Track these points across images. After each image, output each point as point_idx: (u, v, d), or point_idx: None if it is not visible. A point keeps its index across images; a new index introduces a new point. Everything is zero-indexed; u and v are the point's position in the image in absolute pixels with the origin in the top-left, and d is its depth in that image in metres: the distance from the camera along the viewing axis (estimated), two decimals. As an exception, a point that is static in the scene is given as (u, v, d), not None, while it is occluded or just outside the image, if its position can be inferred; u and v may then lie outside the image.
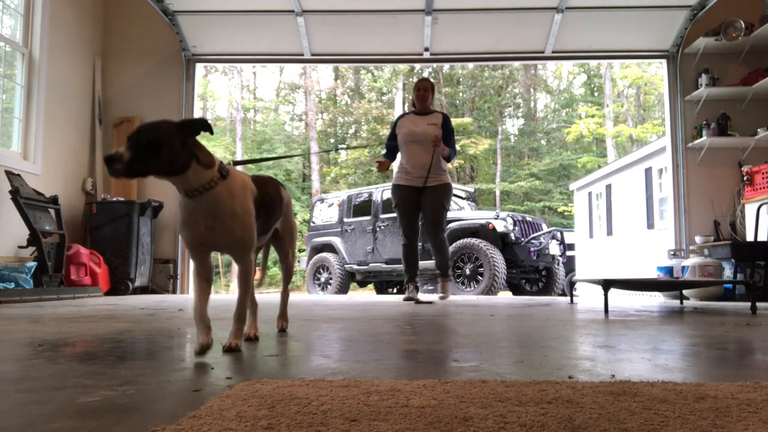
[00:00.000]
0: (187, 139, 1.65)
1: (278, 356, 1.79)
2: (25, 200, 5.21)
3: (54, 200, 5.69)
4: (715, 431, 0.94)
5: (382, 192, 10.02)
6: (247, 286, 1.90)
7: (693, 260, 6.07)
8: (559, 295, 9.22)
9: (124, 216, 6.27)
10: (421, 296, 5.70)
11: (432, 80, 5.72)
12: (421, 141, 5.09)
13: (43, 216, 5.50)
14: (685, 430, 0.94)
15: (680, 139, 6.87)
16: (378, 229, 9.82)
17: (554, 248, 9.33)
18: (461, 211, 9.65)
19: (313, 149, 24.02)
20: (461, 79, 26.91)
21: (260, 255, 2.48)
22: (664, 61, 7.14)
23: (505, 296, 8.51)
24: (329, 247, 10.39)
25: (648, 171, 10.86)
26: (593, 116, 24.03)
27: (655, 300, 6.42)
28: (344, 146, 26.42)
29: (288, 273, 2.37)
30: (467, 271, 8.54)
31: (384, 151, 5.43)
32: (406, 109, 25.50)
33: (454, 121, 5.90)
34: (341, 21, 7.06)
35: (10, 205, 5.17)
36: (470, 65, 23.76)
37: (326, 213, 10.78)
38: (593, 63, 22.75)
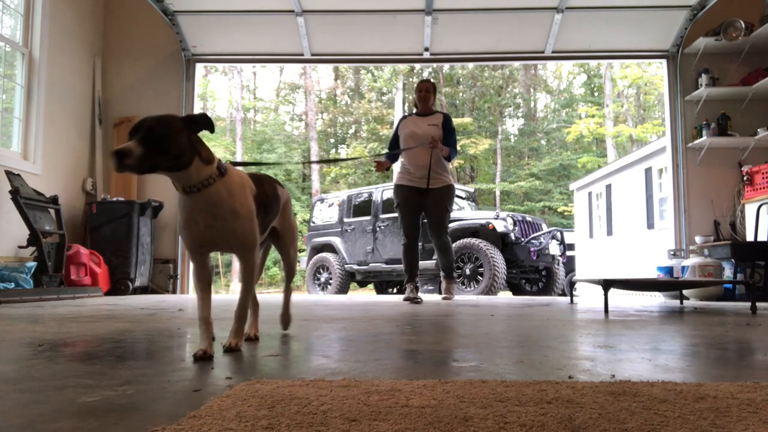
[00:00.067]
0: (191, 134, 1.65)
1: (278, 356, 1.79)
2: (25, 200, 5.21)
3: (54, 200, 5.69)
4: (715, 431, 0.94)
5: (382, 192, 10.02)
6: (249, 286, 1.89)
7: (693, 260, 6.07)
8: (559, 295, 9.22)
9: (124, 216, 6.27)
10: (421, 296, 5.70)
11: (433, 81, 5.74)
12: (422, 142, 5.11)
13: (43, 216, 5.50)
14: (685, 430, 0.94)
15: (680, 139, 6.87)
16: (378, 229, 9.82)
17: (554, 248, 9.33)
18: (461, 211, 9.65)
19: (313, 149, 24.03)
20: (461, 79, 26.92)
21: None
22: (664, 61, 7.14)
23: (505, 296, 8.51)
24: (329, 247, 10.40)
25: (648, 171, 10.86)
26: (593, 116, 24.04)
27: (655, 300, 6.42)
28: (343, 158, 26.41)
29: (290, 271, 2.34)
30: (467, 271, 8.54)
31: (387, 152, 5.46)
32: (406, 109, 25.44)
33: (455, 121, 5.90)
34: (341, 21, 7.06)
35: (10, 205, 5.17)
36: (470, 65, 23.76)
37: (326, 213, 10.79)
38: (593, 63, 22.75)
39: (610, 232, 12.78)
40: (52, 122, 6.17)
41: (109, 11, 7.24)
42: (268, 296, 6.89)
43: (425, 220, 5.39)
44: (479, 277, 8.43)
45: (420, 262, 5.54)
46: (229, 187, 1.71)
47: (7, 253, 5.39)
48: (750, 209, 6.19)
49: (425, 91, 5.31)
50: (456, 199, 9.60)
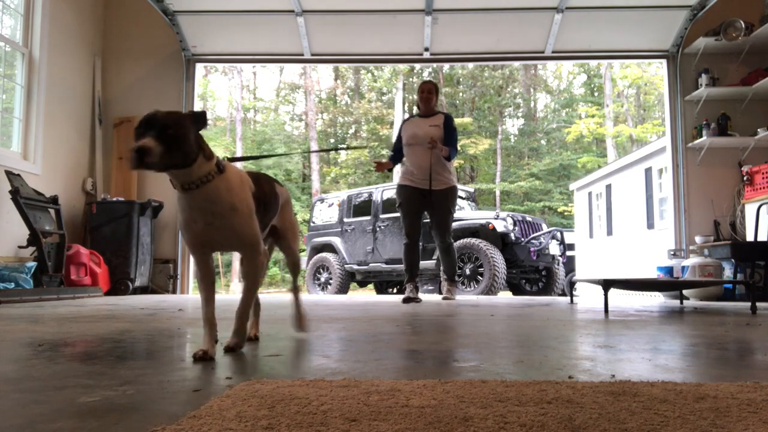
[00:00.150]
0: (197, 131, 1.65)
1: (278, 356, 1.79)
2: (25, 200, 5.21)
3: (54, 200, 5.69)
4: (715, 431, 0.94)
5: (382, 192, 10.03)
6: (253, 285, 1.85)
7: (693, 260, 6.07)
8: (559, 295, 9.22)
9: (124, 216, 6.27)
10: (421, 296, 5.71)
11: (435, 82, 5.76)
12: (423, 143, 5.13)
13: (43, 216, 5.50)
14: (685, 430, 0.94)
15: (680, 139, 6.87)
16: (378, 229, 9.82)
17: (554, 248, 9.33)
18: (461, 211, 9.65)
19: (312, 149, 24.02)
20: (461, 79, 26.92)
21: None
22: (664, 61, 7.14)
23: (505, 296, 8.51)
24: (329, 247, 10.40)
25: (648, 171, 10.86)
26: (593, 116, 24.04)
27: (655, 300, 6.42)
28: (344, 146, 26.41)
29: (294, 266, 2.29)
30: (467, 271, 8.54)
31: (390, 153, 5.52)
32: (406, 109, 25.35)
33: (455, 121, 5.89)
34: (341, 21, 7.06)
35: (10, 205, 5.17)
36: (470, 65, 23.76)
37: (326, 213, 10.79)
38: (593, 63, 22.75)
39: (610, 232, 12.78)
40: (52, 122, 6.17)
41: (109, 11, 7.24)
42: (268, 296, 6.89)
43: (426, 221, 5.41)
44: (479, 277, 8.43)
45: (420, 262, 5.55)
46: (227, 184, 1.69)
47: (7, 253, 5.39)
48: (750, 209, 6.19)
49: (427, 92, 5.33)
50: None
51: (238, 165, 1.94)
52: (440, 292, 6.95)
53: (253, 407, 1.07)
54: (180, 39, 7.10)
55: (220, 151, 22.15)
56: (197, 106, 7.30)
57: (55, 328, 2.56)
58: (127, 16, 7.21)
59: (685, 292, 5.32)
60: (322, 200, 11.26)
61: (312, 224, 10.99)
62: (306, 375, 1.46)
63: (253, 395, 1.16)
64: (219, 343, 1.83)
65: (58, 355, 1.80)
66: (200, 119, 1.66)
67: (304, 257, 11.01)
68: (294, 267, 2.29)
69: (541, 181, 24.18)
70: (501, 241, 8.78)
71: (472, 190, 11.82)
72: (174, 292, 6.91)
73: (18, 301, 4.54)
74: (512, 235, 8.86)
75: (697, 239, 6.49)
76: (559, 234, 9.71)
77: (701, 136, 6.64)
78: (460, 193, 10.38)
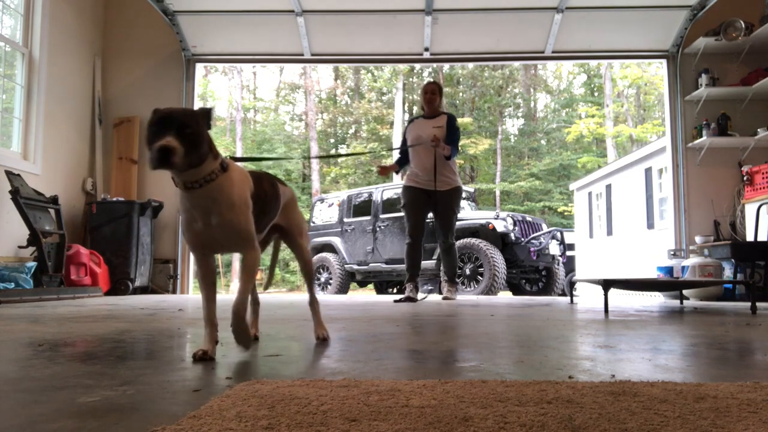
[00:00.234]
0: (208, 129, 1.64)
1: (278, 356, 1.79)
2: (25, 200, 5.21)
3: (54, 200, 5.69)
4: (715, 431, 0.94)
5: (382, 192, 10.03)
6: (249, 277, 1.79)
7: (693, 260, 6.07)
8: (559, 295, 9.22)
9: (124, 216, 6.27)
10: (420, 296, 5.72)
11: (438, 83, 5.79)
12: (427, 144, 5.17)
13: (43, 216, 5.50)
14: (685, 430, 0.94)
15: (680, 139, 6.87)
16: (378, 229, 9.82)
17: (554, 248, 9.33)
18: (462, 211, 9.65)
19: (313, 149, 24.03)
20: (461, 79, 26.92)
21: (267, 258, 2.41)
22: (664, 61, 7.14)
23: (505, 296, 8.51)
24: (329, 247, 10.39)
25: (648, 171, 10.86)
26: (593, 116, 24.04)
27: (655, 300, 6.42)
28: (345, 153, 26.41)
29: (308, 272, 2.20)
30: (467, 271, 8.54)
31: (398, 156, 5.58)
32: (406, 109, 25.30)
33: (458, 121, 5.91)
34: (341, 21, 7.06)
35: (10, 205, 5.17)
36: (470, 65, 23.76)
37: (326, 213, 10.78)
38: (593, 63, 22.75)
39: (610, 232, 12.78)
40: (52, 122, 6.17)
41: (109, 11, 7.24)
42: (268, 296, 6.89)
43: (429, 221, 5.43)
44: (479, 277, 8.42)
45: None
46: (229, 182, 1.67)
47: (7, 253, 5.39)
48: (750, 209, 6.19)
49: (430, 93, 5.37)
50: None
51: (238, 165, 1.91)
52: (440, 292, 6.96)
53: (253, 407, 1.07)
54: (180, 39, 7.10)
55: (220, 151, 22.08)
56: (198, 106, 7.26)
57: (55, 328, 2.56)
58: (127, 16, 7.21)
59: (685, 292, 5.32)
60: (322, 200, 11.26)
61: (312, 224, 10.99)
62: (306, 375, 1.46)
63: (253, 395, 1.16)
64: (219, 344, 1.82)
65: (58, 355, 1.80)
66: (210, 117, 1.66)
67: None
68: (306, 268, 2.19)
69: (541, 181, 24.18)
70: (501, 241, 8.78)
71: (472, 190, 11.82)
72: (174, 292, 6.91)
73: (18, 301, 4.54)
74: (512, 235, 8.87)
75: (697, 239, 6.49)
76: (559, 234, 9.71)
77: (701, 136, 6.64)
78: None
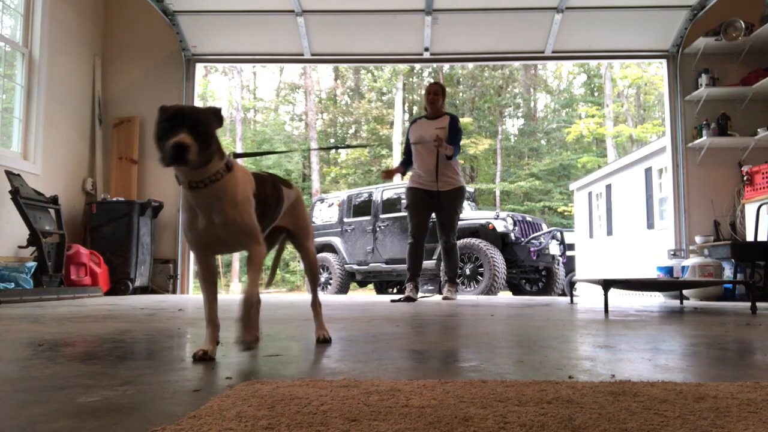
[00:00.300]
0: (218, 128, 1.64)
1: (278, 356, 1.79)
2: (25, 200, 5.21)
3: (54, 200, 5.69)
4: (715, 431, 0.94)
5: (382, 192, 10.03)
6: (256, 271, 1.75)
7: (693, 260, 6.07)
8: (559, 295, 9.22)
9: (124, 216, 6.27)
10: (420, 296, 5.72)
11: (442, 83, 5.82)
12: (429, 145, 5.19)
13: (43, 216, 5.50)
14: (685, 430, 0.94)
15: (680, 139, 6.87)
16: (378, 229, 9.82)
17: (554, 248, 9.33)
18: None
19: (311, 148, 24.01)
20: (461, 79, 26.92)
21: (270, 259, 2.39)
22: (664, 61, 7.14)
23: (505, 296, 8.51)
24: (329, 247, 10.39)
25: (648, 171, 10.86)
26: (593, 116, 24.04)
27: (655, 300, 6.42)
28: (345, 145, 26.41)
29: (312, 273, 2.17)
30: (467, 271, 8.54)
31: (402, 158, 5.62)
32: (406, 109, 25.28)
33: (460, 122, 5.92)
34: (341, 21, 7.06)
35: (10, 205, 5.17)
36: (470, 65, 23.76)
37: (326, 213, 10.78)
38: (593, 63, 22.75)
39: (610, 232, 12.78)
40: (52, 122, 6.17)
41: (109, 11, 7.24)
42: (268, 296, 6.89)
43: (433, 221, 5.45)
44: (479, 277, 8.42)
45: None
46: (233, 182, 1.66)
47: (7, 253, 5.39)
48: (750, 209, 6.19)
49: (433, 94, 5.39)
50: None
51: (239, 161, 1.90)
52: (440, 292, 6.96)
53: (253, 407, 1.07)
54: (180, 39, 7.09)
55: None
56: (197, 106, 7.26)
57: (55, 328, 2.56)
58: (127, 16, 7.21)
59: (685, 292, 5.32)
60: (322, 200, 11.25)
61: (312, 224, 10.98)
62: (306, 375, 1.46)
63: (253, 395, 1.16)
64: (220, 344, 1.82)
65: (58, 355, 1.80)
66: (220, 116, 1.65)
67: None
68: (311, 269, 2.17)
69: (541, 181, 24.18)
70: (501, 241, 8.78)
71: (472, 190, 11.82)
72: (174, 292, 6.91)
73: (18, 301, 4.54)
74: (512, 235, 8.87)
75: (697, 239, 6.49)
76: (559, 234, 9.71)
77: (701, 136, 6.64)
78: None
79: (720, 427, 0.95)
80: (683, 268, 6.10)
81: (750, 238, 5.93)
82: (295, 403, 1.10)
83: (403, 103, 25.00)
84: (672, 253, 6.71)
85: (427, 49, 7.20)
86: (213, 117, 1.60)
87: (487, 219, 9.06)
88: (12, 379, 1.42)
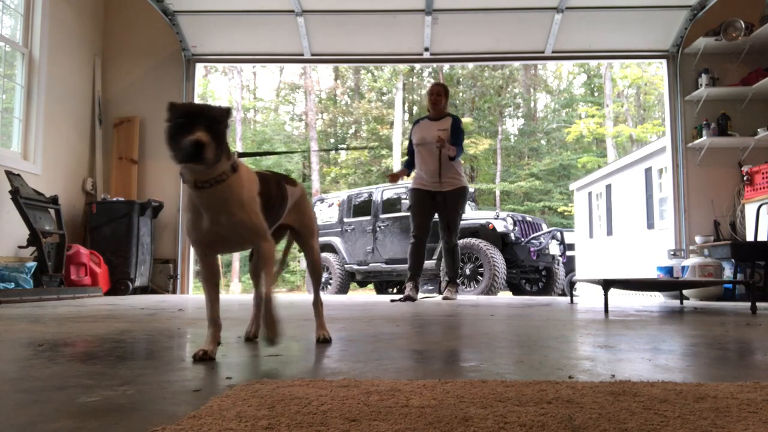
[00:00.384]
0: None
1: (278, 356, 1.79)
2: (25, 200, 5.21)
3: (54, 200, 5.69)
4: (715, 431, 0.94)
5: (382, 192, 10.03)
6: (269, 267, 1.76)
7: (693, 260, 6.07)
8: (559, 295, 9.22)
9: (124, 216, 6.27)
10: (420, 296, 5.72)
11: (445, 84, 5.82)
12: (431, 147, 5.20)
13: (43, 216, 5.50)
14: (685, 430, 0.94)
15: (680, 139, 6.87)
16: (378, 229, 9.82)
17: (554, 248, 9.33)
18: (461, 211, 9.66)
19: (313, 149, 24.03)
20: (461, 79, 26.92)
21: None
22: (664, 61, 7.14)
23: (505, 296, 8.51)
24: (329, 247, 10.39)
25: (648, 171, 10.86)
26: (593, 116, 24.04)
27: (655, 300, 6.42)
28: (345, 146, 26.42)
29: (315, 273, 2.17)
30: (467, 271, 8.54)
31: (406, 159, 5.63)
32: (406, 109, 25.29)
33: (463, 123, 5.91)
34: (341, 21, 7.06)
35: (10, 205, 5.17)
36: (470, 65, 23.76)
37: (326, 213, 10.78)
38: (593, 63, 22.75)
39: (610, 232, 12.78)
40: (52, 122, 6.17)
41: (109, 11, 7.24)
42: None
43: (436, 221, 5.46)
44: (479, 277, 8.42)
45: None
46: (239, 182, 1.66)
47: (7, 253, 5.39)
48: (750, 209, 6.19)
49: (436, 95, 5.39)
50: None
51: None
52: (440, 292, 6.96)
53: (253, 407, 1.07)
54: (180, 39, 7.09)
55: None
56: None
57: (55, 328, 2.56)
58: (127, 16, 7.21)
59: (685, 292, 5.32)
60: (322, 200, 11.25)
61: (317, 222, 10.97)
62: (306, 375, 1.46)
63: (253, 395, 1.16)
64: (221, 345, 1.82)
65: (58, 355, 1.80)
66: (230, 116, 1.64)
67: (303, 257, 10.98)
68: (314, 269, 2.16)
69: (541, 181, 24.18)
70: (501, 241, 8.78)
71: (472, 190, 11.82)
72: (174, 292, 6.91)
73: (18, 301, 4.54)
74: (512, 235, 8.87)
75: (697, 239, 6.49)
76: (559, 234, 9.71)
77: (701, 136, 6.64)
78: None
79: (720, 427, 0.95)
80: (683, 268, 6.10)
81: (750, 238, 5.93)
82: (295, 403, 1.10)
83: (403, 103, 25.00)
84: (672, 253, 6.71)
85: (427, 49, 7.20)
86: (225, 116, 1.60)
87: (487, 219, 9.06)
88: (12, 379, 1.42)
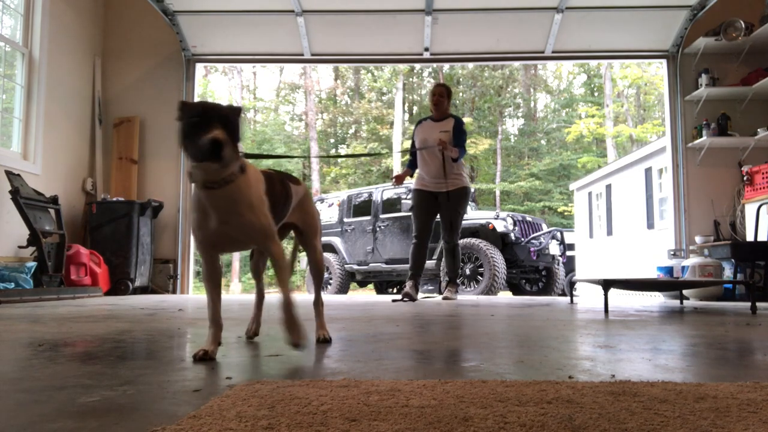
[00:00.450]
0: None
1: (278, 356, 1.79)
2: (25, 200, 5.21)
3: (54, 200, 5.69)
4: (715, 431, 0.94)
5: (382, 192, 10.03)
6: (284, 270, 1.76)
7: (693, 260, 6.07)
8: (559, 295, 9.22)
9: (124, 216, 6.27)
10: (420, 296, 5.73)
11: (448, 85, 5.83)
12: (433, 150, 5.21)
13: (43, 216, 5.50)
14: (685, 430, 0.94)
15: (680, 139, 6.87)
16: (378, 229, 9.82)
17: (554, 248, 9.33)
18: (462, 211, 9.66)
19: (313, 149, 24.03)
20: (461, 79, 26.92)
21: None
22: (664, 61, 7.14)
23: (505, 296, 8.50)
24: (329, 247, 10.39)
25: (648, 171, 10.87)
26: (593, 116, 24.04)
27: (655, 300, 6.42)
28: (349, 154, 26.38)
29: (318, 273, 2.15)
30: (467, 271, 8.55)
31: (409, 159, 5.64)
32: (406, 109, 25.28)
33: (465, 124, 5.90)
34: (341, 21, 7.06)
35: (10, 205, 5.17)
36: (470, 65, 23.75)
37: (326, 213, 10.78)
38: (593, 63, 22.75)
39: (610, 232, 12.79)
40: (52, 122, 6.17)
41: (109, 11, 7.24)
42: (268, 296, 6.88)
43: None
44: (479, 277, 8.42)
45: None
46: (247, 183, 1.65)
47: (7, 253, 5.39)
48: (750, 209, 6.19)
49: (438, 96, 5.40)
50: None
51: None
52: (440, 292, 6.97)
53: (253, 407, 1.07)
54: (180, 39, 7.09)
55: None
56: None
57: (55, 328, 2.56)
58: (127, 16, 7.21)
59: (685, 292, 5.32)
60: (322, 200, 11.25)
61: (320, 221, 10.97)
62: (306, 375, 1.46)
63: (253, 395, 1.16)
64: (221, 345, 1.82)
65: (58, 355, 1.80)
66: (241, 114, 1.65)
67: (303, 257, 10.99)
68: (316, 268, 2.15)
69: (541, 181, 24.18)
70: (501, 241, 8.78)
71: (472, 190, 11.82)
72: (174, 292, 6.91)
73: (18, 301, 4.54)
74: (512, 235, 8.87)
75: (697, 239, 6.49)
76: (559, 234, 9.71)
77: (701, 136, 6.64)
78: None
79: (720, 427, 0.95)
80: (683, 268, 6.10)
81: (750, 238, 5.93)
82: (295, 403, 1.10)
83: (403, 103, 24.99)
84: (672, 253, 6.71)
85: (427, 49, 7.20)
86: (238, 114, 1.60)
87: (487, 219, 9.06)
88: (12, 379, 1.42)
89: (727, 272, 6.06)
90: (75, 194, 6.65)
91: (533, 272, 9.54)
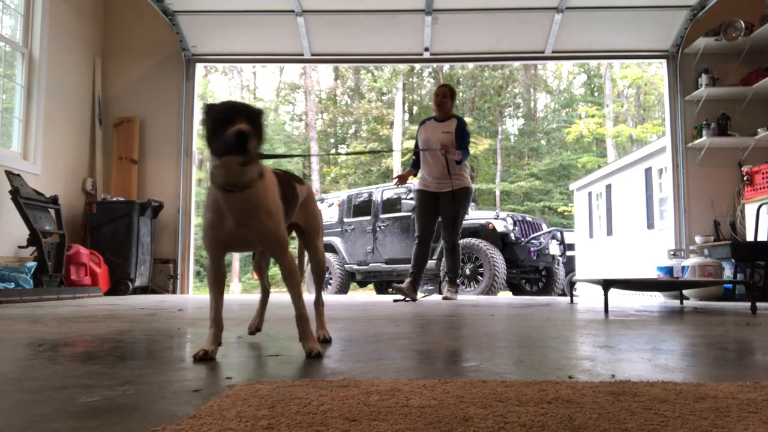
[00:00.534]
0: None
1: (278, 356, 1.79)
2: (25, 200, 5.21)
3: (54, 200, 5.69)
4: (715, 431, 0.94)
5: (382, 192, 10.03)
6: (295, 282, 1.78)
7: (693, 260, 6.07)
8: (559, 295, 9.22)
9: (124, 216, 6.27)
10: (420, 296, 5.73)
11: (451, 85, 5.85)
12: (436, 152, 5.22)
13: (43, 216, 5.50)
14: (685, 430, 0.94)
15: (680, 139, 6.87)
16: (378, 229, 9.82)
17: (554, 248, 9.33)
18: (462, 211, 9.66)
19: (313, 149, 24.03)
20: (461, 79, 26.91)
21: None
22: (664, 61, 7.14)
23: (505, 296, 8.50)
24: (329, 247, 10.39)
25: (648, 171, 10.87)
26: (593, 116, 24.04)
27: (655, 300, 6.42)
28: (355, 150, 26.37)
29: (319, 273, 2.15)
30: (467, 271, 8.55)
31: (413, 159, 5.66)
32: (406, 109, 25.28)
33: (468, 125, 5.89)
34: (341, 21, 7.06)
35: (10, 205, 5.17)
36: (470, 65, 23.73)
37: (326, 213, 10.78)
38: (593, 63, 22.75)
39: (610, 232, 12.78)
40: (52, 122, 6.17)
41: (109, 11, 7.24)
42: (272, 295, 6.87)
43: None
44: (479, 277, 8.42)
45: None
46: (265, 188, 1.65)
47: (7, 253, 5.39)
48: (750, 209, 6.19)
49: (441, 96, 5.41)
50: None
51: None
52: (440, 292, 6.97)
53: (253, 407, 1.07)
54: (180, 39, 7.09)
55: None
56: (197, 106, 7.29)
57: (55, 328, 2.56)
58: (127, 16, 7.21)
59: (685, 292, 5.32)
60: (322, 200, 11.25)
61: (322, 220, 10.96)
62: (306, 375, 1.46)
63: (253, 395, 1.16)
64: (221, 345, 1.82)
65: (58, 355, 1.80)
66: (263, 114, 1.64)
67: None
68: (318, 267, 2.14)
69: (541, 181, 24.18)
70: (501, 241, 8.78)
71: (473, 190, 11.83)
72: (174, 292, 6.91)
73: (18, 301, 4.54)
74: (512, 235, 8.87)
75: (697, 239, 6.49)
76: (559, 234, 9.71)
77: (701, 136, 6.64)
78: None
79: (720, 427, 0.95)
80: (683, 268, 6.10)
81: (750, 238, 5.93)
82: (295, 403, 1.10)
83: (403, 103, 24.99)
84: (672, 253, 6.71)
85: (427, 49, 7.20)
86: (261, 113, 1.60)
87: (487, 219, 9.06)
88: (12, 379, 1.42)
89: (727, 272, 6.06)
90: (75, 194, 6.65)
91: (533, 272, 9.54)
